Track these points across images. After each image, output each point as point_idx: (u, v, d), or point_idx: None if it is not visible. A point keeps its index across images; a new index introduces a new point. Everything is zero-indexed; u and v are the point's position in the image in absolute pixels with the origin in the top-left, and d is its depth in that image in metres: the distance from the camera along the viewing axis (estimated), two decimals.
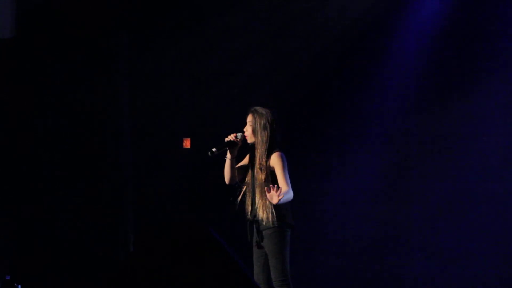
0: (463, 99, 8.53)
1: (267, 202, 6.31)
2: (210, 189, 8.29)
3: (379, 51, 8.73)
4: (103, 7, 8.80)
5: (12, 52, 8.80)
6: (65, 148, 8.91)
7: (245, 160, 6.60)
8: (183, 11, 8.94)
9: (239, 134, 6.48)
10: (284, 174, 6.33)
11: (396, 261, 8.68)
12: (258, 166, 6.40)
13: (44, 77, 8.86)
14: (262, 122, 6.45)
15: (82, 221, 8.80)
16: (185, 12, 8.94)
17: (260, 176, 6.39)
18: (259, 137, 6.44)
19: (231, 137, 6.46)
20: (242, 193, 6.55)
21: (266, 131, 6.44)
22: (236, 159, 6.54)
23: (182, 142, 7.97)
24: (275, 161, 6.37)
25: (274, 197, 6.11)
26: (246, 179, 6.54)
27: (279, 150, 6.41)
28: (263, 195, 6.32)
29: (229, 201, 6.55)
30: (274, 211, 6.31)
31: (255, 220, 6.42)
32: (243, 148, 6.56)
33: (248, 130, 6.50)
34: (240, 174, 6.56)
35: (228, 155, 6.49)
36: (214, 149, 6.41)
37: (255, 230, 6.44)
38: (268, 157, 6.40)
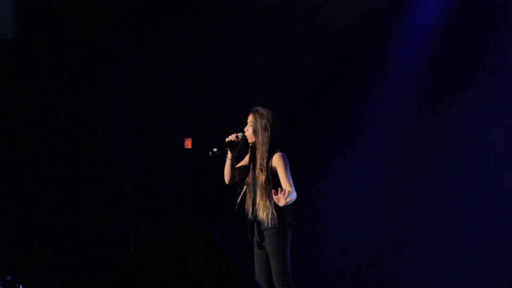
0: (463, 99, 8.53)
1: (268, 203, 6.32)
2: (210, 189, 8.30)
3: (379, 51, 8.73)
4: (103, 7, 8.80)
5: (13, 52, 8.81)
6: (65, 148, 8.91)
7: (245, 160, 6.60)
8: (183, 11, 8.95)
9: (239, 134, 6.49)
10: (287, 175, 6.33)
11: (396, 260, 8.69)
12: (259, 167, 6.40)
13: (44, 77, 8.87)
14: (263, 122, 6.45)
15: (82, 221, 8.80)
16: (185, 12, 8.95)
17: (261, 177, 6.39)
18: (259, 137, 6.45)
19: (232, 137, 6.47)
20: (242, 194, 6.55)
21: (267, 132, 6.44)
22: (236, 159, 6.55)
23: (182, 142, 7.95)
24: (277, 161, 6.37)
25: (281, 199, 6.12)
26: (247, 179, 6.54)
27: (281, 151, 6.42)
28: (264, 196, 6.33)
29: (230, 201, 6.56)
30: (274, 212, 6.32)
31: (255, 220, 6.43)
32: (243, 148, 6.56)
33: (248, 130, 6.50)
34: (240, 174, 6.56)
35: (229, 155, 6.49)
36: (215, 149, 6.41)
37: (255, 230, 6.44)
38: (269, 157, 6.40)
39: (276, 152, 6.40)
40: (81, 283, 8.48)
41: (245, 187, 6.54)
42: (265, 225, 6.37)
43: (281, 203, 6.13)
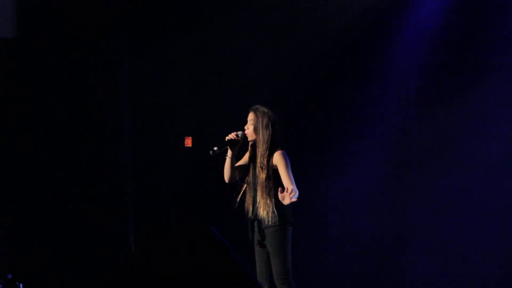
0: (463, 98, 8.53)
1: (268, 201, 6.33)
2: (210, 189, 8.29)
3: (379, 51, 8.73)
4: (103, 7, 8.80)
5: (13, 52, 8.80)
6: (65, 148, 8.90)
7: (244, 159, 6.61)
8: (183, 11, 8.94)
9: (239, 133, 6.50)
10: (288, 173, 6.34)
11: (396, 260, 8.69)
12: (259, 165, 6.41)
13: (44, 77, 8.86)
14: (264, 120, 6.46)
15: (82, 221, 8.80)
16: (185, 12, 8.94)
17: (262, 175, 6.39)
18: (260, 136, 6.45)
19: (232, 136, 6.48)
20: (242, 192, 6.56)
21: (268, 130, 6.45)
22: (235, 158, 6.56)
23: (182, 141, 7.96)
24: (278, 159, 6.38)
25: (286, 198, 6.12)
26: (247, 178, 6.55)
27: (281, 149, 6.43)
28: (265, 194, 6.33)
29: (230, 200, 6.56)
30: (275, 210, 6.32)
31: (256, 219, 6.43)
32: (242, 147, 6.57)
33: (249, 128, 6.51)
34: (239, 172, 6.57)
35: (229, 154, 6.50)
36: (215, 148, 6.43)
37: (256, 229, 6.45)
38: (270, 155, 6.41)
39: (277, 150, 6.41)
40: (81, 283, 8.47)
41: (245, 185, 6.55)
42: (266, 223, 6.37)
43: (286, 201, 6.14)
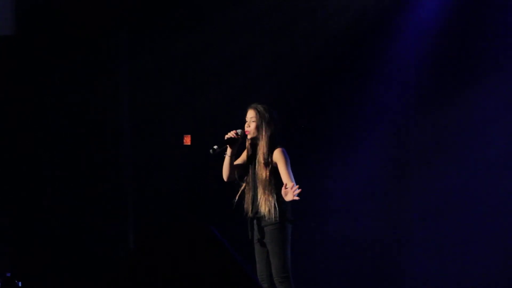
0: (463, 98, 8.53)
1: (270, 198, 6.34)
2: (210, 188, 8.29)
3: (379, 51, 8.73)
4: (103, 7, 8.80)
5: (12, 52, 8.80)
6: (65, 148, 8.90)
7: (242, 157, 6.62)
8: (183, 11, 8.94)
9: (239, 131, 6.52)
10: (288, 170, 6.36)
11: (396, 260, 8.69)
12: (262, 162, 6.41)
13: (44, 77, 8.86)
14: (266, 117, 6.48)
15: (82, 220, 8.79)
16: (185, 12, 8.94)
17: (263, 172, 6.40)
18: (263, 133, 6.47)
19: (231, 134, 6.49)
20: (240, 192, 6.56)
21: (270, 127, 6.47)
22: (234, 156, 6.57)
23: (182, 139, 7.95)
24: (278, 157, 6.40)
25: (289, 194, 6.14)
26: (246, 176, 6.55)
27: (281, 146, 6.44)
28: (266, 191, 6.35)
29: (230, 200, 6.56)
30: (277, 206, 6.34)
31: (255, 217, 6.44)
32: (239, 145, 6.58)
33: (251, 125, 6.51)
34: (238, 171, 6.58)
35: (228, 152, 6.51)
36: (215, 147, 6.44)
37: (255, 227, 6.45)
38: (270, 153, 6.43)
39: (277, 148, 6.42)
40: (80, 282, 8.47)
41: (243, 185, 6.56)
42: (267, 219, 6.37)
43: (289, 197, 6.16)
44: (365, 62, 8.76)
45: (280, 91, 8.73)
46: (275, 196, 6.35)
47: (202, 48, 8.91)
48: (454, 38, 8.56)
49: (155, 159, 8.95)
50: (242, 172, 6.58)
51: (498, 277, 8.41)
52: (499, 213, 8.41)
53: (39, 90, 8.86)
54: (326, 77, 8.80)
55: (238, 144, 6.52)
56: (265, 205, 6.36)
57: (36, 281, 8.44)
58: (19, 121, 8.84)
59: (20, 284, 7.54)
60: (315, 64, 8.79)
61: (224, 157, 6.54)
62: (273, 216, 6.35)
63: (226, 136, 6.50)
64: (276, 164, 6.41)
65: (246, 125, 6.54)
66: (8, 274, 7.54)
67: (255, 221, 6.47)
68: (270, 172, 6.40)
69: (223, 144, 6.47)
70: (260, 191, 6.40)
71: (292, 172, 6.40)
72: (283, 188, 6.22)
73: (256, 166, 6.47)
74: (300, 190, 6.14)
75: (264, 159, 6.42)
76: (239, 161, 6.61)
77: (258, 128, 6.50)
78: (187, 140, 7.71)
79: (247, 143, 6.58)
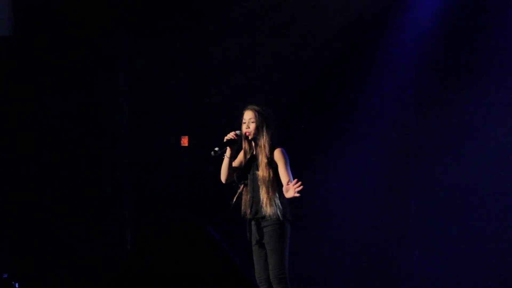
0: (462, 98, 8.53)
1: (274, 198, 6.34)
2: (210, 188, 8.29)
3: (379, 51, 8.73)
4: (103, 7, 8.80)
5: (12, 52, 8.80)
6: (65, 148, 8.90)
7: (239, 159, 6.61)
8: (183, 11, 8.94)
9: (238, 132, 6.51)
10: (287, 170, 6.38)
11: (396, 260, 8.69)
12: (265, 162, 6.41)
13: (44, 77, 8.86)
14: (266, 118, 6.49)
15: (82, 220, 8.80)
16: (185, 12, 8.94)
17: (265, 172, 6.40)
18: (264, 133, 6.47)
19: (231, 135, 6.48)
20: (238, 192, 6.56)
21: (270, 127, 6.48)
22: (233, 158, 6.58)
23: (179, 141, 7.95)
24: (279, 157, 6.42)
25: (291, 190, 6.15)
26: (246, 179, 6.55)
27: (281, 146, 6.45)
28: (270, 191, 6.35)
29: (229, 200, 6.56)
30: (280, 206, 6.35)
31: (255, 218, 6.44)
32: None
33: (250, 126, 6.50)
34: (237, 172, 6.58)
35: (227, 153, 6.51)
36: (216, 148, 6.44)
37: (254, 228, 6.45)
38: (271, 153, 6.43)
39: (277, 148, 6.43)
40: (80, 282, 8.48)
41: (241, 186, 6.56)
42: (269, 219, 6.37)
43: (290, 194, 6.18)
44: (365, 62, 8.75)
45: (280, 91, 8.72)
46: (277, 195, 6.35)
47: (202, 48, 8.91)
48: (453, 38, 8.55)
49: (154, 159, 8.95)
50: (240, 173, 6.57)
51: (498, 277, 8.41)
52: (499, 213, 8.41)
53: (39, 90, 8.86)
54: (326, 77, 8.80)
55: (237, 145, 6.53)
56: (270, 205, 6.36)
57: (35, 281, 8.44)
58: (19, 121, 8.84)
59: (17, 286, 7.55)
60: (315, 64, 8.79)
61: (222, 159, 6.53)
62: (276, 217, 6.35)
63: (226, 138, 6.50)
64: (276, 164, 6.41)
65: (244, 126, 6.53)
66: (5, 276, 7.55)
67: (253, 223, 6.47)
68: (273, 172, 6.41)
69: (223, 146, 6.46)
70: (262, 192, 6.40)
71: (292, 172, 6.40)
72: (284, 185, 6.22)
73: (258, 167, 6.46)
74: (302, 187, 6.15)
75: (266, 159, 6.42)
76: (236, 162, 6.61)
77: (258, 128, 6.50)
78: (185, 142, 7.71)
79: (244, 145, 6.58)
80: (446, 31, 8.58)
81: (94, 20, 8.76)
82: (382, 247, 8.71)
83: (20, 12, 8.76)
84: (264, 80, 8.81)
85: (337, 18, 8.73)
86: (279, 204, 6.36)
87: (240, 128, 6.54)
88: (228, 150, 6.50)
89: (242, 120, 6.54)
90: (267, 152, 6.44)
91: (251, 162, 6.53)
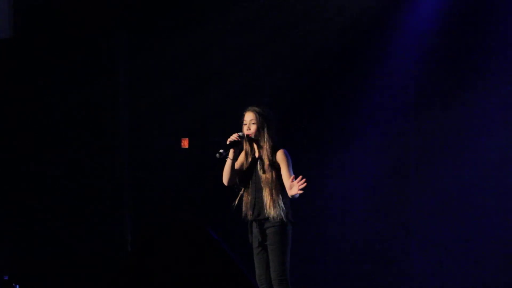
0: (462, 99, 8.53)
1: (278, 199, 6.34)
2: (210, 189, 8.28)
3: (378, 51, 8.73)
4: (103, 7, 8.80)
5: (12, 52, 8.80)
6: (65, 148, 8.90)
7: (239, 161, 6.59)
8: (183, 11, 8.94)
9: (241, 134, 6.50)
10: (290, 171, 6.38)
11: (396, 260, 8.69)
12: (267, 163, 6.41)
13: (44, 77, 8.86)
14: (267, 119, 6.48)
15: (82, 221, 8.80)
16: (185, 12, 8.94)
17: (270, 174, 6.39)
18: (265, 134, 6.46)
19: (234, 137, 6.47)
20: (240, 194, 6.54)
21: (271, 128, 6.47)
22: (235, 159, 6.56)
23: (179, 142, 7.95)
24: (281, 158, 6.41)
25: (294, 187, 6.16)
26: (247, 179, 6.54)
27: (283, 147, 6.45)
28: (274, 192, 6.34)
29: (230, 201, 6.55)
30: (284, 207, 6.35)
31: (257, 219, 6.42)
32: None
33: (251, 128, 6.49)
34: (238, 174, 6.56)
35: (230, 155, 6.49)
36: (221, 150, 6.42)
37: (256, 230, 6.43)
38: (273, 154, 6.43)
39: (279, 149, 6.43)
40: (80, 282, 8.47)
41: (243, 188, 6.54)
42: (272, 220, 6.36)
43: (293, 191, 6.19)
44: (365, 62, 8.76)
45: (280, 91, 8.72)
46: (281, 196, 6.36)
47: (202, 48, 8.91)
48: (453, 39, 8.56)
49: (154, 160, 8.95)
50: (242, 175, 6.56)
51: (498, 277, 8.41)
52: (499, 213, 8.41)
53: (39, 90, 8.86)
54: (326, 77, 8.80)
55: (240, 147, 6.52)
56: (273, 206, 6.36)
57: (35, 281, 8.44)
58: (19, 121, 8.84)
59: (17, 287, 7.54)
60: (315, 64, 8.79)
61: (225, 161, 6.52)
62: (279, 218, 6.35)
63: (229, 140, 6.48)
64: (279, 165, 6.41)
65: (245, 127, 6.51)
66: (6, 277, 7.54)
67: (254, 224, 6.46)
68: (276, 174, 6.40)
69: (227, 148, 6.45)
70: (266, 193, 6.39)
71: (293, 172, 6.39)
72: (288, 182, 6.23)
73: (260, 168, 6.45)
74: (305, 184, 6.15)
75: (269, 160, 6.42)
76: (237, 164, 6.60)
77: (259, 130, 6.49)
78: (185, 143, 7.71)
79: (245, 146, 6.56)
80: (446, 31, 8.58)
81: (94, 20, 8.76)
82: (382, 247, 8.71)
83: (20, 13, 8.76)
84: (264, 80, 8.81)
85: (337, 18, 8.73)
86: (283, 205, 6.36)
87: (240, 129, 6.53)
88: (231, 152, 6.49)
89: (242, 121, 6.53)
90: (269, 154, 6.44)
91: (253, 164, 6.51)
